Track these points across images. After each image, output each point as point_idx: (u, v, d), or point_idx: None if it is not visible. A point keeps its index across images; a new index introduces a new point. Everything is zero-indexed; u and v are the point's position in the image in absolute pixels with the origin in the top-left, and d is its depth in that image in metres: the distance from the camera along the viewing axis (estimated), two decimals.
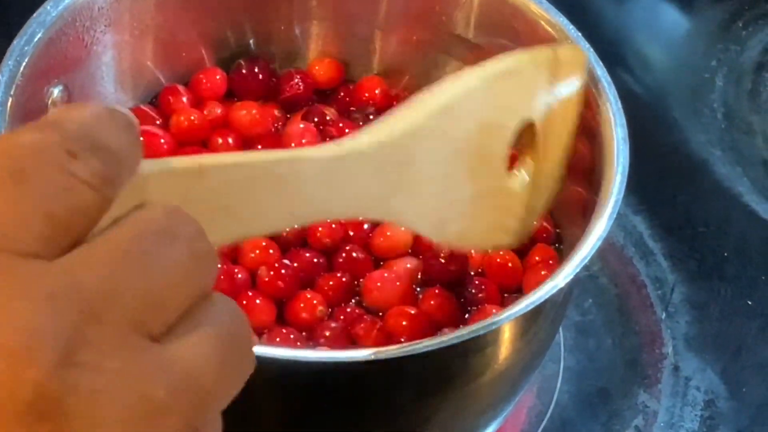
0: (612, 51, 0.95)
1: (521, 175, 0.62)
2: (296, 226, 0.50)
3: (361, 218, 0.60)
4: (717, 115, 0.94)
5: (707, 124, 0.93)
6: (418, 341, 0.56)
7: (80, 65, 0.71)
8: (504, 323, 0.58)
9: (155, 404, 0.30)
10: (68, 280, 0.30)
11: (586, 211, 0.66)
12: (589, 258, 0.59)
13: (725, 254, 0.85)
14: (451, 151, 0.56)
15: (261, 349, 0.55)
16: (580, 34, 0.70)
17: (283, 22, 0.78)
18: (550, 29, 0.70)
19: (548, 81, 0.62)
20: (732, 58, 0.98)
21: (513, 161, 0.62)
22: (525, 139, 0.62)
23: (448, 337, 0.56)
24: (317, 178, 0.47)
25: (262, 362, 0.52)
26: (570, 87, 0.63)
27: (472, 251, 0.67)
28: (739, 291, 0.82)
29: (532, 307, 0.57)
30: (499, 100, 0.59)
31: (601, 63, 0.68)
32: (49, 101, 0.69)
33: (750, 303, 0.82)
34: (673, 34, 1.00)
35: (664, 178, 0.88)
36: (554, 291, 0.58)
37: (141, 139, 0.34)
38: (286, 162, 0.45)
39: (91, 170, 0.31)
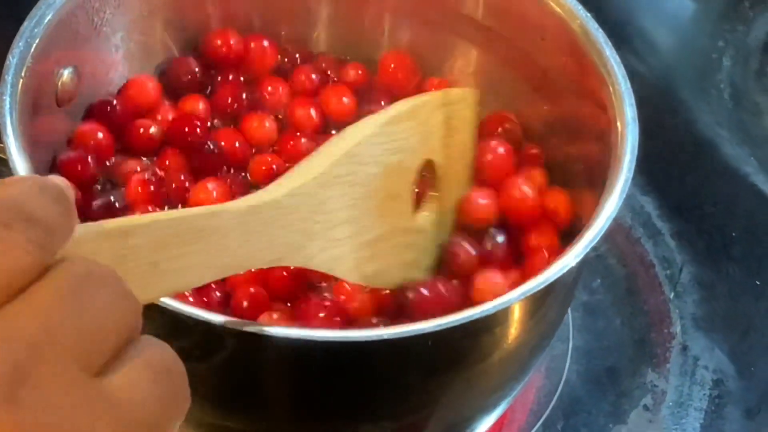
0: (619, 32, 0.94)
1: (427, 213, 0.67)
2: (221, 278, 0.52)
3: (281, 265, 0.61)
4: (724, 95, 0.94)
5: (714, 104, 0.93)
6: (427, 321, 0.56)
7: (90, 46, 0.71)
8: (514, 303, 0.58)
9: None
10: (9, 326, 0.32)
11: (594, 192, 0.66)
12: (599, 238, 0.59)
13: (733, 234, 0.85)
14: (359, 195, 0.60)
15: (273, 329, 0.55)
16: (589, 15, 0.70)
17: (292, 2, 0.78)
18: (559, 9, 0.70)
19: (443, 122, 0.66)
20: (739, 38, 0.98)
21: (419, 199, 0.67)
22: (428, 178, 0.67)
23: (458, 317, 0.56)
24: (236, 229, 0.50)
25: (274, 341, 0.54)
26: (464, 126, 0.68)
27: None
28: (747, 271, 0.83)
29: (541, 287, 0.58)
30: (398, 143, 0.63)
31: (610, 43, 0.68)
32: (59, 83, 0.69)
33: (758, 283, 0.82)
34: (680, 14, 1.00)
35: (672, 158, 0.88)
36: (564, 271, 0.58)
37: (73, 207, 0.37)
38: (206, 216, 0.48)
39: (25, 237, 0.34)
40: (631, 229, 0.84)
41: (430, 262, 0.67)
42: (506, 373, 0.68)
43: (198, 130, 0.72)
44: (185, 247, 0.47)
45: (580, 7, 0.70)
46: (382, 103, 0.75)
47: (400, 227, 0.65)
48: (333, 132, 0.74)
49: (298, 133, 0.74)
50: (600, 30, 0.69)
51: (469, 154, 0.69)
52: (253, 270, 0.63)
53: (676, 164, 0.89)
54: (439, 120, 0.66)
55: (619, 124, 0.65)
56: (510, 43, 0.74)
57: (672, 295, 0.81)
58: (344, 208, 0.59)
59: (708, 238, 0.84)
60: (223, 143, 0.72)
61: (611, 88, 0.67)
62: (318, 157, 0.59)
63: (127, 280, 0.39)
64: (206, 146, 0.71)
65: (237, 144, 0.73)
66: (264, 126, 0.74)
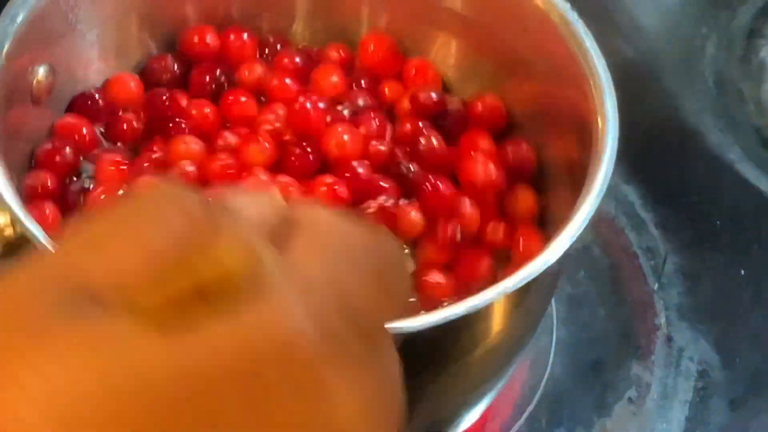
0: (602, 19, 0.95)
1: None
2: None
3: None
4: (708, 82, 0.93)
5: (699, 91, 0.93)
6: (405, 320, 0.56)
7: (65, 43, 0.70)
8: (494, 300, 0.58)
9: None
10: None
11: (575, 185, 0.65)
12: (579, 233, 0.59)
13: (718, 223, 0.84)
14: None
15: None
16: (568, 5, 0.69)
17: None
18: (538, 1, 0.70)
19: None
20: (723, 24, 0.97)
21: None
22: None
23: (436, 317, 0.56)
24: None
25: None
26: None
27: None
28: (731, 260, 0.82)
29: (521, 284, 0.57)
30: None
31: (590, 34, 0.68)
32: (34, 80, 0.69)
33: (743, 272, 0.81)
34: (664, 1, 1.00)
35: (656, 146, 0.88)
36: (544, 268, 0.58)
37: None
38: None
39: None
40: (615, 218, 0.83)
41: None
42: (489, 369, 0.67)
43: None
44: None
45: None
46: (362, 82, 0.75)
47: None
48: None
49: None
50: (580, 21, 0.68)
51: None
52: None
53: (660, 152, 0.88)
54: None
55: (599, 117, 0.65)
56: (490, 34, 0.74)
57: (656, 286, 0.80)
58: None
59: (692, 228, 0.84)
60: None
61: (591, 81, 0.66)
62: None
63: None
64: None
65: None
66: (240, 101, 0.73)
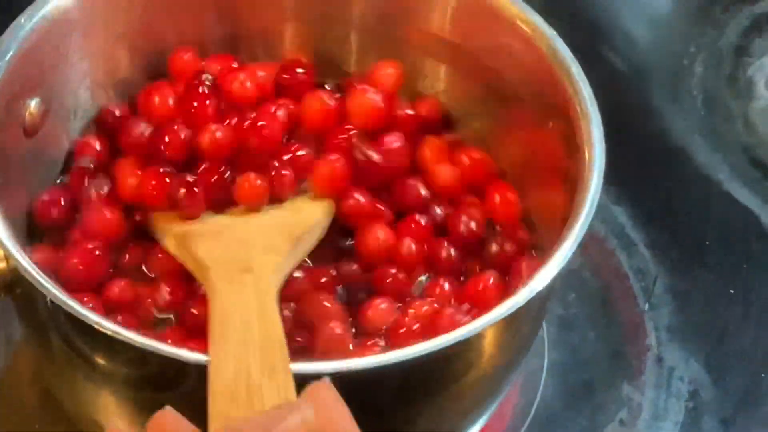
0: (590, 39, 0.96)
1: None
2: None
3: None
4: (697, 101, 0.94)
5: (687, 110, 0.93)
6: (396, 351, 0.56)
7: (56, 76, 0.71)
8: (484, 329, 0.58)
9: None
10: None
11: (564, 212, 0.66)
12: (566, 262, 0.60)
13: (707, 243, 0.85)
14: None
15: None
16: (554, 32, 0.70)
17: (257, 23, 0.78)
18: (526, 28, 0.71)
19: None
20: (710, 42, 0.98)
21: None
22: None
23: (426, 347, 0.56)
24: None
25: None
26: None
27: None
28: (721, 279, 0.83)
29: (510, 312, 0.58)
30: None
31: (576, 62, 0.68)
32: (27, 114, 0.69)
33: (732, 291, 0.82)
34: (651, 19, 1.00)
35: (645, 166, 0.88)
36: (532, 295, 0.59)
37: None
38: None
39: None
40: (605, 240, 0.83)
41: None
42: (481, 393, 0.68)
43: None
44: None
45: (546, 25, 0.70)
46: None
47: None
48: None
49: None
50: (567, 49, 0.69)
51: None
52: None
53: (649, 172, 0.88)
54: None
55: (586, 145, 0.65)
56: (478, 61, 0.74)
57: (646, 307, 0.81)
58: None
59: (682, 248, 0.84)
60: None
61: (578, 108, 0.67)
62: None
63: None
64: None
65: None
66: None
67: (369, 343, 0.66)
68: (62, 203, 0.70)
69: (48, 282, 0.58)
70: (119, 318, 0.65)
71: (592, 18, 0.99)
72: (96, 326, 0.56)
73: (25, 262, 0.58)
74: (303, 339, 0.65)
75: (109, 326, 0.56)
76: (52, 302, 0.57)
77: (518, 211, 0.73)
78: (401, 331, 0.66)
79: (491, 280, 0.68)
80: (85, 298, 0.65)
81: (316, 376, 0.54)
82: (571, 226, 0.61)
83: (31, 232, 0.70)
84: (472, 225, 0.71)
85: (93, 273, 0.67)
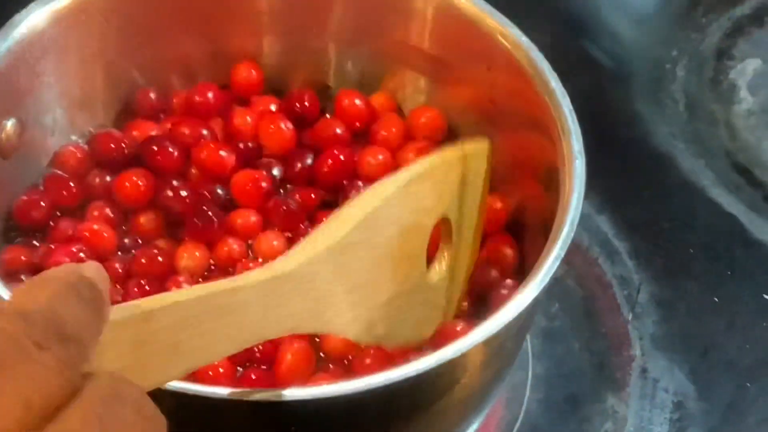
0: (571, 43, 0.95)
1: (440, 269, 0.66)
2: (238, 351, 0.51)
3: (296, 333, 0.59)
4: (679, 106, 0.93)
5: (669, 115, 0.93)
6: (378, 375, 0.56)
7: (32, 96, 0.70)
8: (467, 350, 0.58)
9: None
10: None
11: (548, 217, 0.66)
12: (548, 280, 0.59)
13: (691, 251, 0.84)
14: (375, 257, 0.59)
15: (233, 390, 0.55)
16: (533, 44, 0.69)
17: (232, 39, 0.77)
18: (504, 41, 0.70)
19: (458, 177, 0.65)
20: (692, 46, 0.98)
21: (431, 255, 0.65)
22: (441, 233, 0.66)
23: (408, 370, 0.56)
24: (256, 303, 0.50)
25: (230, 403, 0.54)
26: (477, 179, 0.67)
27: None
28: (705, 288, 0.82)
29: (493, 332, 0.58)
30: (416, 203, 0.62)
31: (555, 75, 0.68)
32: (3, 135, 0.69)
33: (716, 300, 0.82)
34: (633, 22, 1.00)
35: (628, 173, 0.88)
36: (516, 314, 0.58)
37: (106, 302, 0.38)
38: (227, 293, 0.48)
39: (57, 358, 0.35)
40: (589, 249, 0.83)
41: (441, 319, 0.67)
42: (465, 409, 0.67)
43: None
44: (206, 326, 0.46)
45: (524, 38, 0.70)
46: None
47: (414, 286, 0.64)
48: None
49: None
50: (545, 61, 0.69)
51: (481, 207, 0.68)
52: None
53: (631, 179, 0.88)
54: (455, 176, 0.65)
55: (566, 158, 0.65)
56: (457, 73, 0.74)
57: (630, 316, 0.80)
58: (361, 272, 0.58)
59: (666, 256, 0.84)
60: None
61: (557, 121, 0.66)
62: (336, 222, 0.58)
63: (147, 363, 0.42)
64: None
65: None
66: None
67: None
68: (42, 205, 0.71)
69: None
70: None
71: (573, 21, 0.99)
72: None
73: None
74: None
75: None
76: None
77: (504, 219, 0.72)
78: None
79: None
80: None
81: (302, 402, 0.54)
82: (553, 243, 0.61)
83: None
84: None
85: None
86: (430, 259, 0.65)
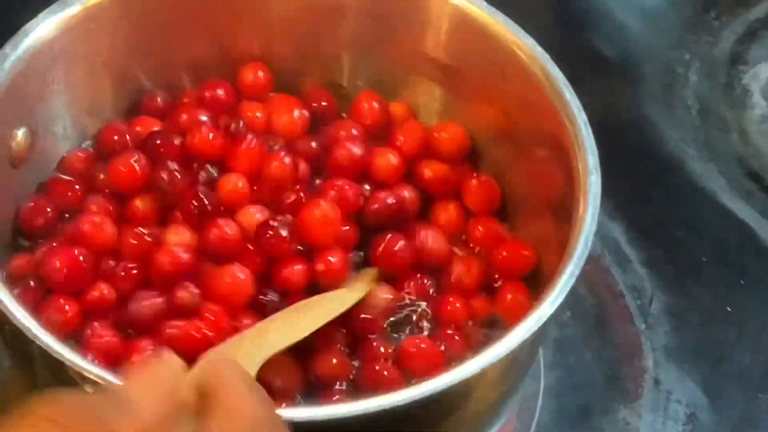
0: (582, 48, 0.95)
1: None
2: None
3: None
4: (691, 111, 0.93)
5: (681, 120, 0.92)
6: (395, 394, 0.56)
7: (42, 105, 0.70)
8: (480, 369, 0.58)
9: None
10: None
11: (562, 235, 0.66)
12: (561, 300, 0.59)
13: (703, 258, 0.84)
14: None
15: None
16: (548, 56, 0.69)
17: (244, 44, 0.77)
18: (519, 52, 0.70)
19: None
20: (705, 50, 0.97)
21: None
22: None
23: (424, 390, 0.56)
24: None
25: None
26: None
27: None
28: (717, 297, 0.82)
29: (507, 352, 0.58)
30: None
31: (570, 86, 0.68)
32: (13, 144, 0.68)
33: (729, 309, 0.81)
34: (644, 26, 0.99)
35: (639, 179, 0.87)
36: (529, 335, 0.58)
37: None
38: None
39: None
40: (600, 257, 0.82)
41: None
42: (479, 421, 0.67)
43: None
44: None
45: (538, 47, 0.69)
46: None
47: None
48: None
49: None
50: (560, 73, 0.68)
51: None
52: None
53: (643, 185, 0.88)
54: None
55: (581, 172, 0.64)
56: (472, 83, 0.74)
57: (643, 326, 0.80)
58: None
59: (677, 264, 0.83)
60: None
61: (572, 134, 0.66)
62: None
63: None
64: None
65: None
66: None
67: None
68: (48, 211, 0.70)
69: (37, 328, 0.57)
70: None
71: (584, 24, 0.98)
72: (85, 373, 0.56)
73: (14, 309, 0.57)
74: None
75: (98, 373, 0.55)
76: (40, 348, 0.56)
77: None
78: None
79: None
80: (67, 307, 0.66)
81: (316, 423, 0.54)
82: (568, 259, 0.61)
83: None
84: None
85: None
86: None
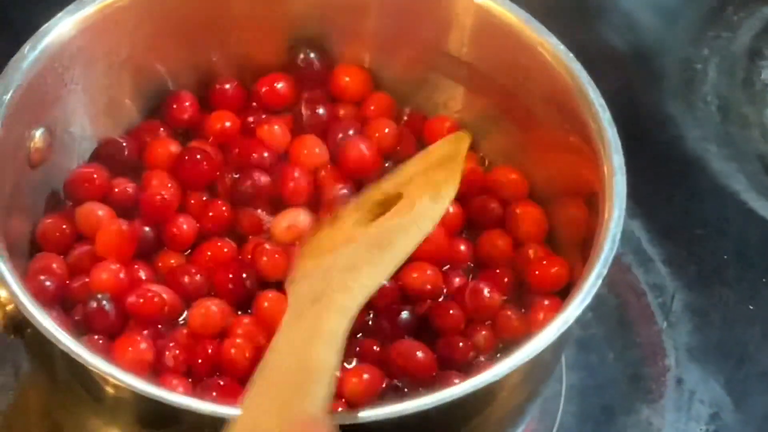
0: (600, 46, 0.94)
1: None
2: None
3: None
4: (711, 108, 0.92)
5: (702, 118, 0.91)
6: (422, 398, 0.56)
7: (60, 105, 0.70)
8: (511, 369, 0.57)
9: None
10: None
11: (586, 232, 0.66)
12: (588, 302, 0.59)
13: (725, 257, 0.83)
14: None
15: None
16: (572, 55, 0.68)
17: (261, 45, 0.76)
18: (544, 52, 0.69)
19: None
20: (723, 45, 0.96)
21: None
22: None
23: (450, 393, 0.56)
24: None
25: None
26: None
27: None
28: (740, 296, 0.81)
29: (531, 356, 0.57)
30: None
31: (594, 85, 0.67)
32: (32, 144, 0.68)
33: (751, 308, 0.81)
34: (662, 22, 0.98)
35: (660, 177, 0.87)
36: (555, 338, 0.58)
37: None
38: None
39: None
40: (621, 255, 0.82)
41: None
42: (503, 424, 0.67)
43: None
44: None
45: (561, 46, 0.69)
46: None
47: None
48: None
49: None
50: (584, 72, 0.68)
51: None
52: None
53: (664, 184, 0.87)
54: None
55: (606, 173, 0.64)
56: (494, 83, 0.73)
57: (665, 325, 0.79)
58: None
59: (699, 263, 0.83)
60: None
61: (597, 134, 0.65)
62: None
63: None
64: None
65: None
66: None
67: None
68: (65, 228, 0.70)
69: (58, 331, 0.56)
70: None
71: (602, 21, 0.97)
72: (109, 377, 0.55)
73: (35, 311, 0.57)
74: None
75: (120, 377, 0.55)
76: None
77: (544, 230, 0.71)
78: None
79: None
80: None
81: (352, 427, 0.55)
82: (594, 261, 0.60)
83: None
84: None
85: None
86: None
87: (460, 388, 0.56)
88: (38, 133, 0.68)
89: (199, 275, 0.68)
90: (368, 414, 0.55)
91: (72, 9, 0.69)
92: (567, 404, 0.75)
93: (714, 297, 0.81)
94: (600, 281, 0.60)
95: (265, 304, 0.67)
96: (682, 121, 0.91)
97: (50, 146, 0.69)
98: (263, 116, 0.75)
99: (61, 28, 0.68)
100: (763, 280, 0.82)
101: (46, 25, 0.67)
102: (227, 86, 0.76)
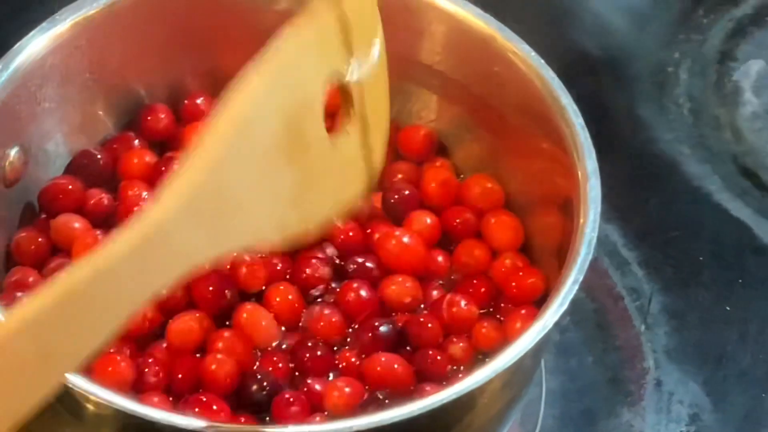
0: (570, 49, 0.94)
1: (347, 133, 0.61)
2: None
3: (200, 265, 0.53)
4: (683, 110, 0.93)
5: (674, 120, 0.92)
6: (399, 408, 0.56)
7: (34, 124, 0.70)
8: (485, 381, 0.57)
9: None
10: None
11: (562, 239, 0.66)
12: (564, 308, 0.59)
13: (700, 258, 0.84)
14: (265, 153, 0.53)
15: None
16: (543, 62, 0.69)
17: (236, 59, 0.76)
18: (516, 60, 0.69)
19: (339, 30, 0.59)
20: (694, 48, 0.97)
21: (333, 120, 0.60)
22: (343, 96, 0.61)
23: (428, 403, 0.56)
24: (129, 274, 0.46)
25: None
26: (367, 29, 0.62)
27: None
28: (716, 296, 0.82)
29: (510, 363, 0.57)
30: (294, 81, 0.56)
31: (566, 91, 0.68)
32: (6, 163, 0.68)
33: (728, 308, 0.81)
34: (633, 27, 0.98)
35: (634, 181, 0.87)
36: (533, 345, 0.58)
37: None
38: (90, 281, 0.44)
39: None
40: (598, 260, 0.82)
41: (364, 173, 0.63)
42: (484, 431, 0.67)
43: None
44: (79, 321, 0.43)
45: (534, 54, 0.69)
46: None
47: (319, 158, 0.57)
48: None
49: None
50: (556, 78, 0.68)
51: (381, 58, 0.64)
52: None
53: (638, 187, 0.87)
54: (333, 30, 0.58)
55: (580, 178, 0.64)
56: (467, 91, 0.73)
57: (643, 328, 0.80)
58: (251, 175, 0.52)
59: (675, 265, 0.83)
60: None
61: (570, 139, 0.66)
62: (206, 142, 0.51)
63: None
64: None
65: None
66: None
67: None
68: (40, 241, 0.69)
69: None
70: None
71: (572, 24, 0.98)
72: (90, 396, 0.56)
73: None
74: None
75: (102, 395, 0.56)
76: None
77: (520, 239, 0.72)
78: None
79: None
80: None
81: None
82: (570, 267, 0.61)
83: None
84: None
85: None
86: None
87: (440, 396, 0.56)
88: (13, 152, 0.68)
89: (178, 288, 0.67)
90: (347, 424, 0.55)
91: (44, 27, 0.68)
92: (548, 409, 0.75)
93: (690, 298, 0.82)
94: (577, 286, 0.60)
95: (244, 315, 0.67)
96: (655, 124, 0.91)
97: (25, 164, 0.69)
98: None
99: (33, 47, 0.68)
100: (739, 280, 0.83)
101: (19, 44, 0.67)
102: (199, 101, 0.76)
